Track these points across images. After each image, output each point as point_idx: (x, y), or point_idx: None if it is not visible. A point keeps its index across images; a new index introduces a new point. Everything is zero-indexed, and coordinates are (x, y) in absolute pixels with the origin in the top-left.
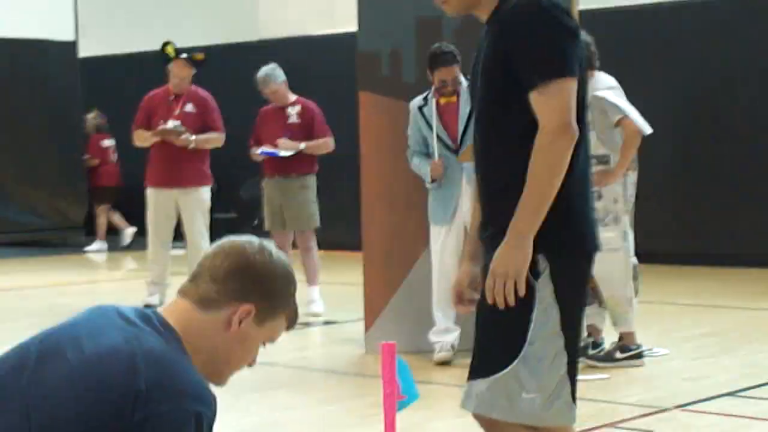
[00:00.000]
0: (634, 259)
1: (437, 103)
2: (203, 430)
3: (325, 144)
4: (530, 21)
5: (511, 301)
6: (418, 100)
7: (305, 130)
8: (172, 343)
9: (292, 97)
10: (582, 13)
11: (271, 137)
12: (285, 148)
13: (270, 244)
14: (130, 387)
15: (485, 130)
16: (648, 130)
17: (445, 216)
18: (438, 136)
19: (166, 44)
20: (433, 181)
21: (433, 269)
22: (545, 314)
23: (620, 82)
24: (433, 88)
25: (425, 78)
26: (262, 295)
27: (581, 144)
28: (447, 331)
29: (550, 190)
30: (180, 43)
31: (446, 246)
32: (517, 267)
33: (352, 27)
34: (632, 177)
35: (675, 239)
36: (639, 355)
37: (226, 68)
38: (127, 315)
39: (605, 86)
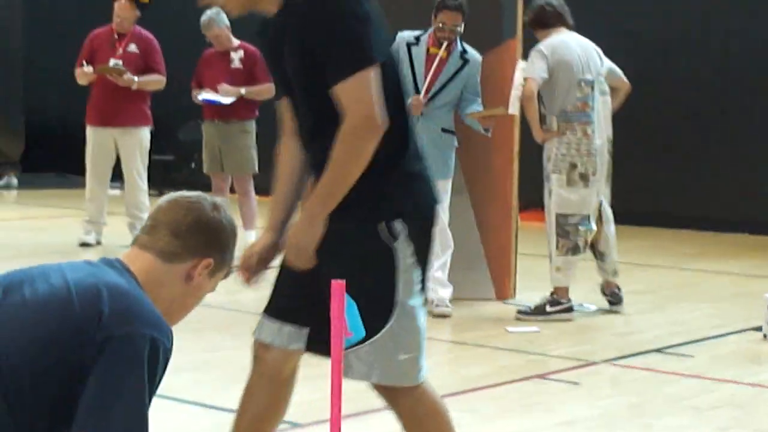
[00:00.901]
0: (576, 217)
1: (427, 49)
2: (159, 356)
3: (267, 89)
4: (322, 14)
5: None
6: (408, 36)
7: (247, 75)
8: (133, 284)
9: (235, 42)
10: None
11: (212, 81)
12: (225, 94)
13: (218, 200)
14: (94, 309)
15: (311, 112)
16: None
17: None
18: (415, 78)
19: None
20: None
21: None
22: (408, 273)
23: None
24: (428, 31)
25: None
26: (218, 250)
27: (403, 122)
28: (440, 285)
29: (348, 179)
30: None
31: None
32: (306, 243)
33: None
34: (571, 139)
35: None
36: (569, 309)
37: (170, 10)
38: (92, 261)
39: (593, 46)
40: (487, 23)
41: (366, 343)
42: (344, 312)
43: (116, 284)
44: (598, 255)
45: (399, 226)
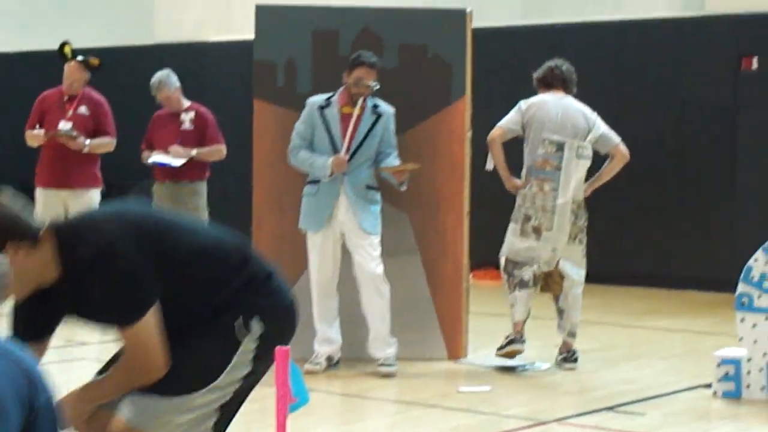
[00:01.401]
0: (526, 272)
1: (340, 108)
2: None
3: (217, 151)
4: (96, 278)
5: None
6: (319, 99)
7: (198, 136)
8: None
9: (186, 103)
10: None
11: (163, 142)
12: (176, 155)
13: None
14: None
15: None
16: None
17: (319, 221)
18: (332, 139)
19: (63, 44)
20: (331, 174)
21: (311, 278)
22: (240, 365)
23: (513, 102)
24: (339, 91)
25: (319, 89)
26: None
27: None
28: (327, 342)
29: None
30: (76, 44)
31: (323, 254)
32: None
33: (249, 35)
34: (528, 192)
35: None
36: (512, 342)
37: (121, 71)
38: None
39: (581, 111)
40: (437, 83)
41: (164, 396)
42: (288, 378)
43: None
44: (558, 312)
45: (257, 324)
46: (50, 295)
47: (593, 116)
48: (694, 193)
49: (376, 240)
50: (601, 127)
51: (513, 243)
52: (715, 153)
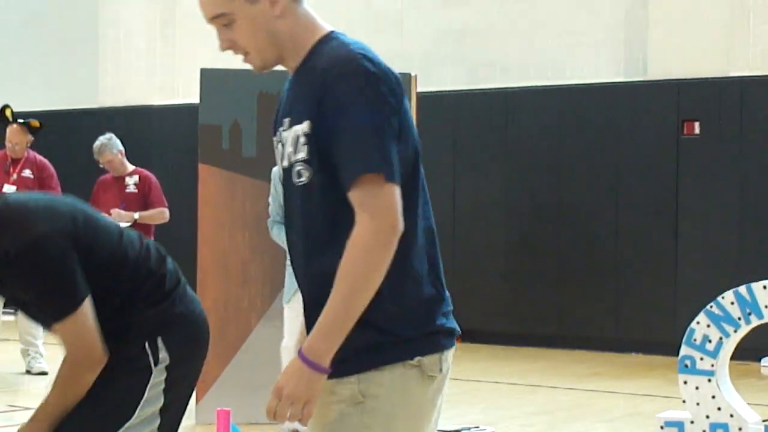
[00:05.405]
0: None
1: None
2: None
3: (160, 214)
4: (26, 273)
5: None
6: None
7: (142, 200)
8: None
9: (130, 167)
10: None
11: (107, 206)
12: (119, 219)
13: None
14: None
15: None
16: None
17: (289, 292)
18: None
19: (4, 108)
20: None
21: (282, 344)
22: (155, 400)
23: (456, 164)
24: None
25: (265, 152)
26: None
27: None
28: None
29: (73, 400)
30: (19, 107)
31: (292, 325)
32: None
33: (194, 99)
34: None
35: (509, 321)
36: None
37: (66, 134)
38: None
39: None
40: None
41: None
42: None
43: None
44: None
45: (164, 353)
46: None
47: None
48: (637, 257)
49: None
50: None
51: None
52: (657, 217)
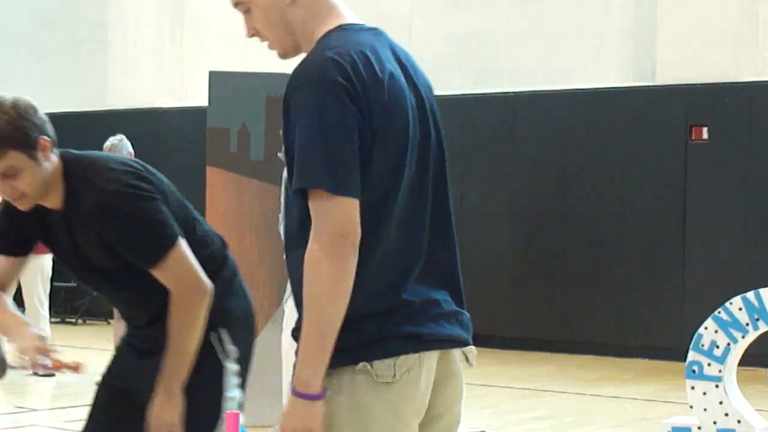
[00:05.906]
0: None
1: None
2: None
3: None
4: (116, 219)
5: None
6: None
7: None
8: None
9: None
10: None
11: None
12: None
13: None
14: None
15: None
16: None
17: (288, 294)
18: None
19: None
20: None
21: (282, 349)
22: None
23: (463, 168)
24: None
25: (272, 155)
26: None
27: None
28: None
29: (190, 349)
30: None
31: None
32: (170, 418)
33: (202, 102)
34: None
35: (516, 325)
36: None
37: (75, 137)
38: None
39: None
40: None
41: None
42: None
43: None
44: None
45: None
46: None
47: None
48: (645, 263)
49: None
50: None
51: None
52: (665, 222)
